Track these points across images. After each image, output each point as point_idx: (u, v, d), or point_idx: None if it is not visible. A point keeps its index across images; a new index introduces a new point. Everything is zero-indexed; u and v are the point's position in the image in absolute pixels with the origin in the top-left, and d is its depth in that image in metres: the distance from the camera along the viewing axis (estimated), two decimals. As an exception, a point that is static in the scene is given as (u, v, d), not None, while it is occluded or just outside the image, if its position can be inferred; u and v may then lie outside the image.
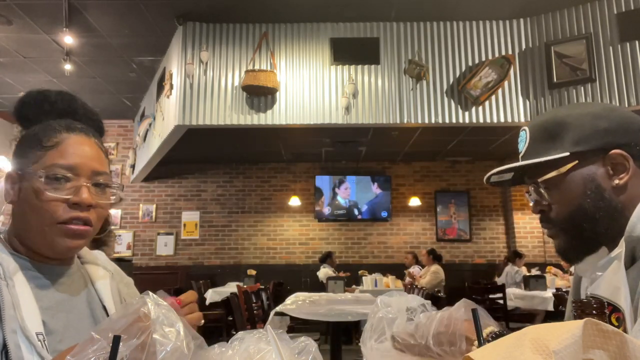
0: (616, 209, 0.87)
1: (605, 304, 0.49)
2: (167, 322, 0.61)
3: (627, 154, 0.88)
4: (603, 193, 0.88)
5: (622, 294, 0.79)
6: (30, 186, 0.87)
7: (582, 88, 4.85)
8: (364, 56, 5.22)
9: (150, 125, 6.51)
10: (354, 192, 8.65)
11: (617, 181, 0.88)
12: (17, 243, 0.90)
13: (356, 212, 8.59)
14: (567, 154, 0.89)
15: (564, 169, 0.89)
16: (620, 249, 0.82)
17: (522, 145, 0.98)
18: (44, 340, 0.80)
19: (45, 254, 0.91)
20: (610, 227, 0.87)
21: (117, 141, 8.48)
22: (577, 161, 0.89)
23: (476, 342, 0.71)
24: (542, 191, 0.92)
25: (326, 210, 8.57)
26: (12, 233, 0.92)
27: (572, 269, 1.18)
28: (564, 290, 5.42)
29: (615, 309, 0.82)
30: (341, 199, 8.60)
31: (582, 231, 0.89)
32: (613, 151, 0.88)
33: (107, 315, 0.96)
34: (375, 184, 8.65)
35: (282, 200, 8.64)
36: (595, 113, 0.92)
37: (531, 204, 0.99)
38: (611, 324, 0.83)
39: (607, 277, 0.85)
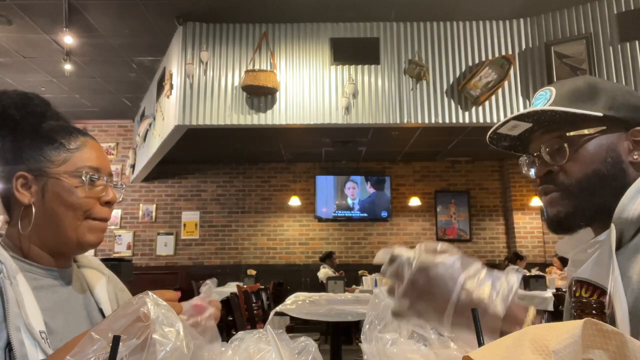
0: (629, 184, 0.85)
1: (605, 304, 0.49)
2: (167, 322, 0.61)
3: None
4: (622, 164, 0.87)
5: (611, 277, 0.78)
6: (62, 184, 0.92)
7: (582, 88, 4.85)
8: (364, 56, 5.22)
9: (150, 125, 6.51)
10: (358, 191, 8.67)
11: (636, 156, 0.87)
12: (27, 245, 0.92)
13: (356, 211, 8.60)
14: (601, 114, 0.87)
15: (594, 130, 0.87)
16: (610, 231, 0.82)
17: (544, 102, 0.92)
18: (46, 339, 0.82)
19: (67, 250, 0.95)
20: (619, 199, 0.85)
21: (117, 141, 8.48)
22: (605, 126, 0.87)
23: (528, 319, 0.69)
24: (566, 147, 0.88)
25: (328, 210, 8.56)
26: (12, 236, 0.93)
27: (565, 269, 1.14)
28: (563, 290, 5.42)
29: (603, 292, 0.82)
30: (350, 200, 8.60)
31: (594, 196, 0.86)
32: (638, 127, 0.87)
33: (104, 317, 0.98)
34: (369, 183, 8.66)
35: (282, 200, 8.64)
36: (626, 89, 0.92)
37: (530, 169, 0.94)
38: None
39: (595, 260, 0.84)
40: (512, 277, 0.75)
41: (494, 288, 0.72)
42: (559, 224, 0.90)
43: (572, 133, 0.88)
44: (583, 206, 0.87)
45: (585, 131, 0.87)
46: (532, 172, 0.95)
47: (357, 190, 8.65)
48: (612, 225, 0.81)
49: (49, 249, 0.93)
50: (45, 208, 0.92)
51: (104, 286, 1.04)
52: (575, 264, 0.93)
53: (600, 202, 0.86)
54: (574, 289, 0.92)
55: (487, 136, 0.98)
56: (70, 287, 0.97)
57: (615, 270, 0.78)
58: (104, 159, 0.99)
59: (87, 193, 0.94)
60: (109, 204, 0.97)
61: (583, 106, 0.88)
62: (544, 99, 0.92)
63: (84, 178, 0.94)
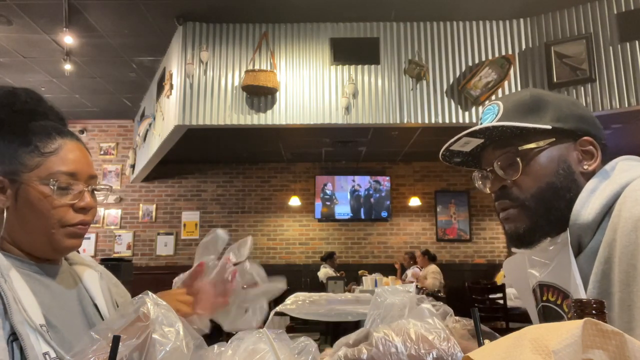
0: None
1: (605, 303, 0.49)
2: (167, 322, 0.61)
3: (596, 144, 0.89)
4: (573, 175, 0.87)
5: (573, 281, 0.80)
6: (32, 191, 0.89)
7: (582, 88, 4.85)
8: (364, 56, 5.22)
9: (150, 125, 6.51)
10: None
11: (586, 166, 0.88)
12: (8, 247, 0.91)
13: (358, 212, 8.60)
14: (550, 127, 0.88)
15: (543, 142, 0.88)
16: (566, 234, 0.83)
17: (492, 117, 0.92)
18: (48, 331, 0.82)
19: (44, 255, 0.93)
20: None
21: (117, 141, 8.47)
22: (554, 138, 0.88)
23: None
24: (519, 161, 0.88)
25: (328, 210, 8.56)
26: (1, 235, 0.92)
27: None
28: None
29: (566, 295, 0.84)
30: (350, 200, 8.61)
31: (550, 210, 0.86)
32: (586, 137, 0.89)
33: (99, 312, 0.98)
34: (369, 183, 8.68)
35: (282, 200, 8.64)
36: (569, 99, 0.94)
37: (485, 183, 0.94)
38: (563, 311, 0.86)
39: (558, 264, 0.85)
40: (424, 311, 0.74)
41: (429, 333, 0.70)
42: (519, 240, 0.90)
43: (523, 147, 0.88)
44: (540, 221, 0.87)
45: (536, 144, 0.88)
46: (486, 187, 0.95)
47: (357, 190, 8.64)
48: (568, 231, 0.82)
49: (26, 252, 0.92)
50: (17, 214, 0.90)
51: (97, 282, 1.03)
52: (533, 264, 0.93)
53: (557, 215, 0.86)
54: (538, 292, 0.93)
55: (440, 154, 0.98)
56: (62, 284, 0.96)
57: (577, 276, 0.79)
58: (83, 162, 0.94)
59: (58, 201, 0.89)
60: (84, 209, 0.93)
61: (531, 119, 0.88)
62: (492, 114, 0.93)
63: (51, 187, 0.89)
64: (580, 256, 0.82)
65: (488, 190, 0.95)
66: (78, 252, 1.08)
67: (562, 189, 0.86)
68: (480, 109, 5.09)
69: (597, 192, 0.83)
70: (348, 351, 0.72)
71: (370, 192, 8.64)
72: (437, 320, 0.72)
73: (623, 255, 0.75)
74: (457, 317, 0.86)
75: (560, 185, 0.86)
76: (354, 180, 8.67)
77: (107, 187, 1.01)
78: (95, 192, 0.97)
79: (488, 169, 0.93)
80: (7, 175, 0.89)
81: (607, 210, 0.81)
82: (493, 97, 5.07)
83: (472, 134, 0.91)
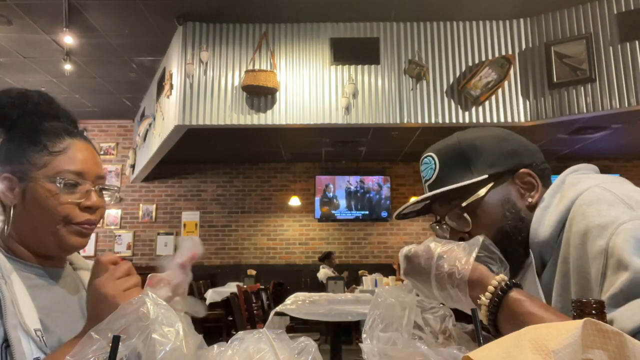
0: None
1: (605, 303, 0.49)
2: (167, 321, 0.61)
3: (534, 173, 0.91)
4: (520, 213, 0.90)
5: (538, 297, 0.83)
6: (39, 189, 0.90)
7: (582, 88, 4.85)
8: (364, 56, 5.22)
9: (150, 125, 6.51)
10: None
11: (529, 199, 0.90)
12: (14, 245, 0.92)
13: (356, 212, 8.60)
14: (486, 176, 0.90)
15: (482, 192, 0.90)
16: (531, 259, 0.86)
17: (431, 172, 0.96)
18: (42, 337, 0.82)
19: (50, 252, 0.94)
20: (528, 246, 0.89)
21: (117, 141, 8.48)
22: (492, 183, 0.90)
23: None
24: (466, 216, 0.91)
25: (328, 210, 8.56)
26: (6, 236, 0.93)
27: None
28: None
29: None
30: (350, 200, 8.60)
31: (508, 255, 0.87)
32: (522, 170, 0.91)
33: None
34: (368, 183, 8.67)
35: (282, 200, 8.64)
36: (498, 135, 0.96)
37: (444, 232, 0.97)
38: None
39: (526, 279, 0.89)
40: (473, 240, 0.80)
41: (458, 252, 0.78)
42: None
43: (465, 203, 0.90)
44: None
45: (477, 195, 0.90)
46: (446, 236, 0.98)
47: (356, 190, 8.64)
48: (531, 252, 0.86)
49: (32, 250, 0.93)
50: (25, 211, 0.92)
51: None
52: None
53: (516, 258, 0.88)
54: None
55: (394, 216, 1.03)
56: (65, 288, 0.97)
57: (539, 292, 0.84)
58: (90, 162, 0.95)
59: (65, 198, 0.91)
60: (90, 208, 0.94)
61: (467, 173, 0.91)
62: (431, 169, 0.96)
63: (58, 184, 0.90)
64: (544, 272, 0.86)
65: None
66: (79, 253, 1.08)
67: (513, 233, 0.89)
68: (474, 110, 5.09)
69: (551, 209, 0.86)
70: (414, 246, 0.83)
71: (370, 192, 8.64)
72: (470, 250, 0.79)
73: (575, 268, 0.78)
74: (455, 322, 0.86)
75: (509, 228, 0.89)
76: (354, 181, 8.66)
77: (114, 187, 1.02)
78: (104, 192, 0.99)
79: (443, 222, 0.97)
80: (16, 173, 0.92)
81: (562, 226, 0.83)
82: (493, 97, 5.07)
83: (416, 203, 0.95)
